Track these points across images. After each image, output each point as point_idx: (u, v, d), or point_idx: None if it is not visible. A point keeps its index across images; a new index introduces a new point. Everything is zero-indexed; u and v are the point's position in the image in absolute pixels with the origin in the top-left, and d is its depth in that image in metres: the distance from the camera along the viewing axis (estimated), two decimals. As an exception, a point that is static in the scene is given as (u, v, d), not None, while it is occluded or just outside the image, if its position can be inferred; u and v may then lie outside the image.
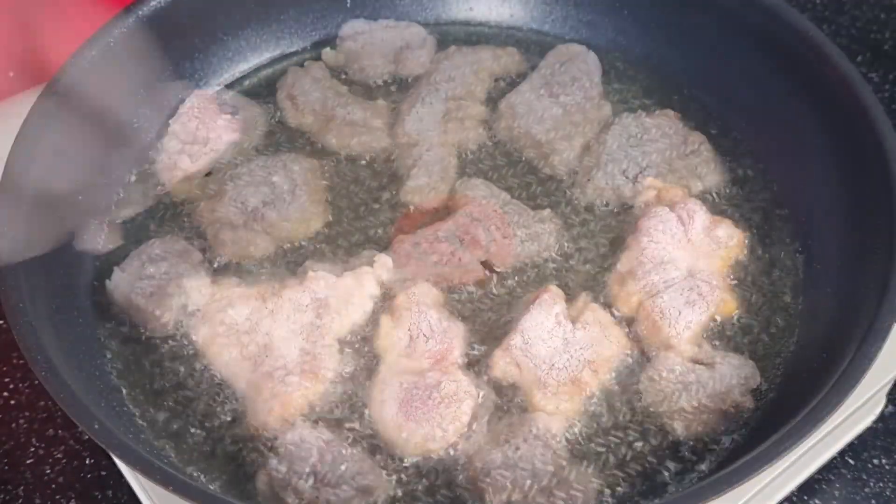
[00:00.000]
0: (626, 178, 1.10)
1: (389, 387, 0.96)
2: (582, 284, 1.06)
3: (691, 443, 0.95)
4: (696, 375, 0.94)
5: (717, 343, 1.01)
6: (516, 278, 1.06)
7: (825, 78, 1.06)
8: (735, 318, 1.03)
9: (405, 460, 0.94)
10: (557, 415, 0.95)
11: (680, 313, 0.99)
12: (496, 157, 1.18)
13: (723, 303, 1.02)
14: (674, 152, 1.13)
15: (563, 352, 0.97)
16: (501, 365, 0.98)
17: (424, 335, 0.99)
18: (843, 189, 1.04)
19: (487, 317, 1.04)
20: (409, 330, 1.00)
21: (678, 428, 0.95)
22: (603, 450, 0.95)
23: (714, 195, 1.13)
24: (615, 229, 1.10)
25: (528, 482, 0.88)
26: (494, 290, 1.06)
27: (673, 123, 1.15)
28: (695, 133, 1.15)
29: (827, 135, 1.07)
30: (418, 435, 0.93)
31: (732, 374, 0.95)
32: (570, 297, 1.03)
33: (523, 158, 1.17)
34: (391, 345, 1.00)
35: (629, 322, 1.02)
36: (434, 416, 0.94)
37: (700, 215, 1.06)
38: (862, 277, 0.96)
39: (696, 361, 0.96)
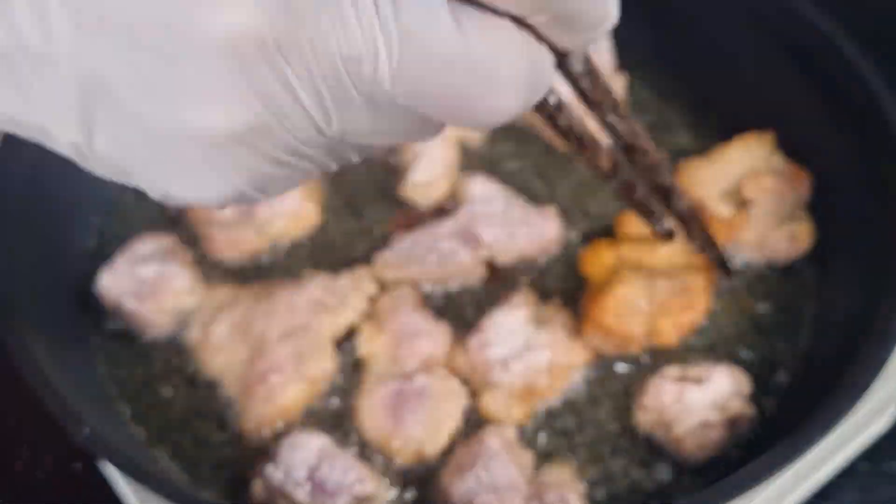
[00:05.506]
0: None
1: (376, 394, 0.94)
2: (582, 283, 1.03)
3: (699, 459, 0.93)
4: (690, 394, 0.92)
5: (717, 346, 1.00)
6: (518, 278, 1.04)
7: (835, 72, 1.04)
8: (745, 322, 1.01)
9: (400, 467, 0.92)
10: (507, 421, 0.93)
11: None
12: (499, 152, 1.15)
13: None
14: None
15: (521, 356, 0.95)
16: (458, 363, 0.96)
17: (408, 338, 0.97)
18: (857, 188, 1.02)
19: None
20: (393, 333, 0.98)
21: (690, 449, 0.92)
22: (588, 457, 0.93)
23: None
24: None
25: (515, 496, 0.86)
26: (493, 290, 1.04)
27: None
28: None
29: (837, 132, 1.05)
30: (411, 441, 0.91)
31: (724, 385, 0.93)
32: (548, 300, 1.01)
33: (529, 151, 1.15)
34: (375, 350, 0.98)
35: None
36: (425, 419, 0.92)
37: None
38: (876, 280, 0.94)
39: (684, 380, 0.93)
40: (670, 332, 0.97)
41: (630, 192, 0.90)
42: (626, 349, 0.98)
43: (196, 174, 0.51)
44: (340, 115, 0.49)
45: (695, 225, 0.95)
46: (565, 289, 1.04)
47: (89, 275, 1.05)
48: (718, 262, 1.00)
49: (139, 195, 1.12)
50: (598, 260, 1.01)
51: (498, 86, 0.47)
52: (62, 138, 0.53)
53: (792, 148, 1.10)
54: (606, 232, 1.07)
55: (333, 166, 0.55)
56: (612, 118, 0.77)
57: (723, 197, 1.05)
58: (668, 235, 0.99)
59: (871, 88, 1.00)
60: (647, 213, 0.95)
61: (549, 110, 0.69)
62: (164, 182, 0.53)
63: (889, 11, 1.29)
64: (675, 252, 1.01)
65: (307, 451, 0.88)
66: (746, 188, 1.04)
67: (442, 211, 1.09)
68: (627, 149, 0.82)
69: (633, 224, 1.03)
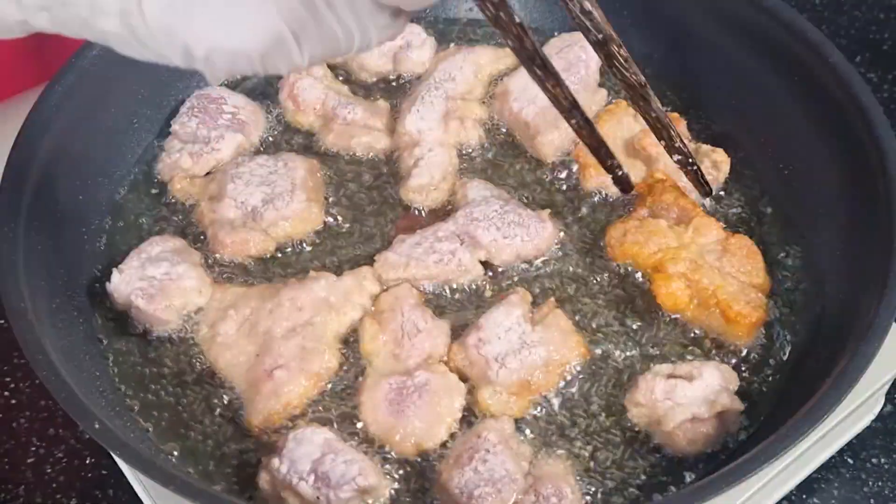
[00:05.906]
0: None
1: (378, 389, 0.96)
2: (576, 283, 1.06)
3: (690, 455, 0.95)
4: (681, 390, 0.93)
5: (707, 343, 1.02)
6: (514, 278, 1.07)
7: (824, 78, 1.06)
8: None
9: (402, 460, 0.94)
10: (504, 416, 0.95)
11: None
12: (497, 156, 1.18)
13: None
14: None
15: (517, 353, 0.97)
16: (457, 360, 0.98)
17: (409, 335, 0.99)
18: (841, 189, 1.04)
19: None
20: (394, 331, 1.00)
21: (681, 445, 0.94)
22: (582, 450, 0.95)
23: (712, 196, 1.12)
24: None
25: (512, 488, 0.88)
26: (490, 290, 1.06)
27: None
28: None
29: (826, 136, 1.07)
30: (412, 435, 0.93)
31: (713, 381, 0.94)
32: (543, 300, 1.03)
33: (525, 155, 1.17)
34: (376, 348, 1.00)
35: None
36: (426, 414, 0.94)
37: None
38: (861, 277, 0.95)
39: (674, 377, 0.95)
40: (764, 278, 1.03)
41: (589, 131, 0.90)
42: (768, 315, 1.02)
43: (240, 16, 0.58)
44: None
45: (673, 131, 0.95)
46: (560, 288, 1.06)
47: (100, 275, 1.07)
48: (700, 176, 1.00)
49: (149, 197, 1.15)
50: (677, 292, 1.01)
51: None
52: (111, 6, 0.58)
53: (777, 155, 1.12)
54: (601, 233, 1.09)
55: (355, 41, 0.63)
56: (587, 5, 0.82)
57: (627, 152, 1.12)
58: (627, 183, 0.99)
59: (863, 100, 1.02)
60: (604, 158, 0.95)
61: (515, 30, 0.77)
62: (209, 32, 0.59)
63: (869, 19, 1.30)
64: (682, 228, 1.05)
65: (311, 445, 0.90)
66: (643, 145, 1.10)
67: (441, 213, 1.12)
68: (605, 40, 0.85)
69: (624, 237, 1.06)
